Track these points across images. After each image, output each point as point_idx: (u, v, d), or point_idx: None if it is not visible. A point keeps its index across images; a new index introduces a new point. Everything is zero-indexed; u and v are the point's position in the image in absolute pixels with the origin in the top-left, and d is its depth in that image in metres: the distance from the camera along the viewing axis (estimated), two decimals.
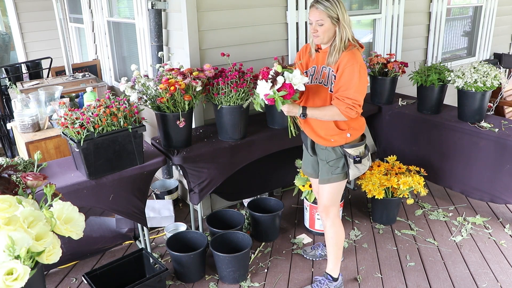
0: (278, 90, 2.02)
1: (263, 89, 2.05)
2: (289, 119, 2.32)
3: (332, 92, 2.22)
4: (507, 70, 5.66)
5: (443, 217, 3.38)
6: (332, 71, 2.20)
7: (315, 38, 2.21)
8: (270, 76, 2.04)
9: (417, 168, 3.27)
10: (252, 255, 2.94)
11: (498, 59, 5.80)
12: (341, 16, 2.12)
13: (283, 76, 2.04)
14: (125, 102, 2.46)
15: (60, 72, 5.16)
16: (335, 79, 2.19)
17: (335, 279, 2.55)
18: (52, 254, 1.31)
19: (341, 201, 3.08)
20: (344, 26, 2.13)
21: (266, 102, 2.09)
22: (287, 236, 3.20)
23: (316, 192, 2.67)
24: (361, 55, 2.21)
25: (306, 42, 3.58)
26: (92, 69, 4.97)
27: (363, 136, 2.38)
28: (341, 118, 2.19)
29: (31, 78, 4.99)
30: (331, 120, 2.25)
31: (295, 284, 2.68)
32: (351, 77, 2.12)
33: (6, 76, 4.83)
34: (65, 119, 2.33)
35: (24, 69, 5.35)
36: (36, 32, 6.41)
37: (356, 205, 3.60)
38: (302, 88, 2.08)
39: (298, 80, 2.05)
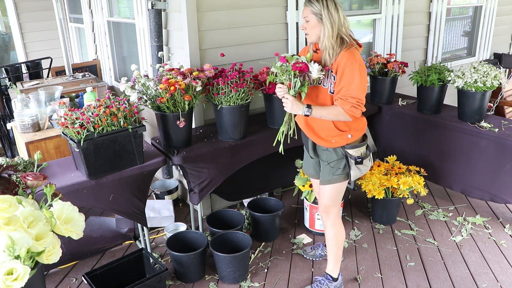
0: (295, 64, 2.15)
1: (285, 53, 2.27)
2: (281, 131, 2.31)
3: (332, 93, 2.22)
4: (507, 70, 5.67)
5: (443, 217, 3.38)
6: (331, 71, 2.20)
7: (306, 36, 2.25)
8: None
9: (417, 168, 3.27)
10: (252, 255, 2.94)
11: (498, 59, 5.80)
12: (324, 14, 2.13)
13: (306, 60, 2.19)
14: (125, 102, 2.46)
15: (60, 72, 5.16)
16: (334, 79, 2.19)
17: (335, 279, 2.55)
18: (52, 254, 1.31)
19: (341, 201, 3.09)
20: (326, 24, 2.14)
21: (278, 59, 2.24)
22: (287, 236, 3.19)
23: (317, 192, 2.67)
24: (360, 54, 2.21)
25: (306, 42, 3.57)
26: (92, 69, 4.97)
27: (364, 137, 2.38)
28: (346, 117, 2.17)
29: (31, 78, 4.99)
30: (333, 121, 2.25)
31: (295, 284, 2.68)
32: (352, 76, 2.11)
33: (6, 76, 4.82)
34: (65, 119, 2.33)
35: (24, 69, 5.35)
36: (36, 32, 6.41)
37: (356, 205, 3.60)
38: (314, 76, 2.16)
39: (316, 69, 2.15)
